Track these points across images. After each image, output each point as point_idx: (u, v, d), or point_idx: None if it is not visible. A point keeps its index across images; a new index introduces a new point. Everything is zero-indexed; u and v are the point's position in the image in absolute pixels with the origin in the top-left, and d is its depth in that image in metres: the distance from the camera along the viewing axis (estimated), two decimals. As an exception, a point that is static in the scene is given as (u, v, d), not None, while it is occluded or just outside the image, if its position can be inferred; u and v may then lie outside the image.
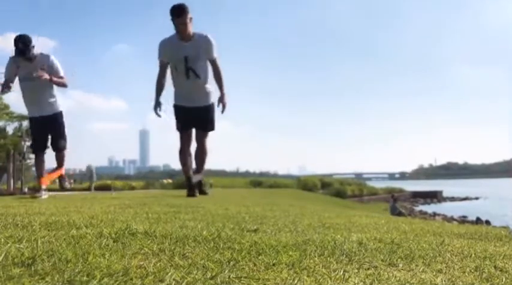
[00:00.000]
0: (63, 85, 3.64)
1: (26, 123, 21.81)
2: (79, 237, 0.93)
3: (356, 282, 0.65)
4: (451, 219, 13.56)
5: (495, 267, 0.81)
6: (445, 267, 0.79)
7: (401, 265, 0.79)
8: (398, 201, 15.92)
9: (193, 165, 3.63)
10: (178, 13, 3.25)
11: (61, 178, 3.93)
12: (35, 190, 3.68)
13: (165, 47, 3.40)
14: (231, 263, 0.73)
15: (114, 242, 0.89)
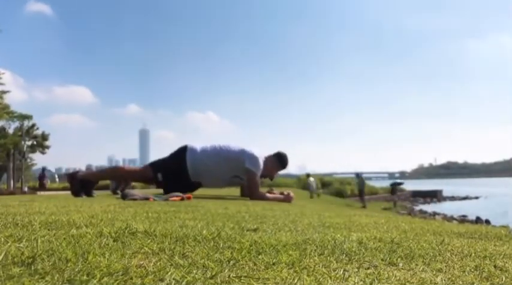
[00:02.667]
0: None
1: (26, 123, 21.83)
2: (79, 236, 0.93)
3: (356, 281, 0.65)
4: (451, 218, 13.55)
5: (495, 266, 0.81)
6: (445, 266, 0.79)
7: (401, 264, 0.79)
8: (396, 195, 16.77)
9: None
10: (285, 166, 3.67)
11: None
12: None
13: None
14: (231, 262, 0.73)
15: (114, 241, 0.89)
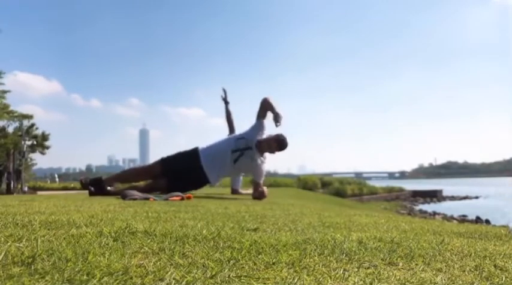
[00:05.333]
0: None
1: (26, 122, 21.84)
2: (79, 236, 0.93)
3: (356, 281, 0.65)
4: (450, 218, 13.54)
5: (495, 266, 0.81)
6: (445, 266, 0.79)
7: (401, 264, 0.79)
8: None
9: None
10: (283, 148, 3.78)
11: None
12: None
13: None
14: (231, 262, 0.73)
15: (114, 241, 0.89)
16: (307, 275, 0.67)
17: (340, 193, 17.85)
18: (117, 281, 0.58)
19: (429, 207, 19.28)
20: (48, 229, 1.05)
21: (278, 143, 3.72)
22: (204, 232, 1.04)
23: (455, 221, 10.13)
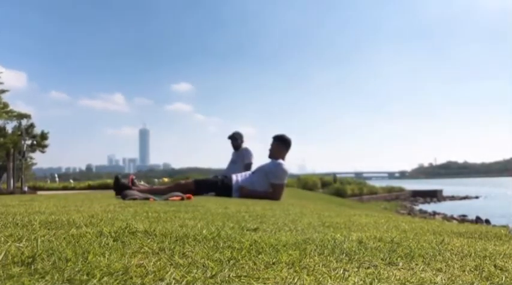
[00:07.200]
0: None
1: (25, 122, 21.84)
2: (79, 236, 0.93)
3: (356, 281, 0.65)
4: (450, 218, 13.54)
5: (495, 266, 0.81)
6: (445, 266, 0.79)
7: (401, 264, 0.79)
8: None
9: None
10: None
11: None
12: None
13: None
14: (231, 262, 0.73)
15: (114, 241, 0.89)
16: (307, 275, 0.67)
17: (340, 193, 17.84)
18: (117, 281, 0.58)
19: (429, 207, 19.27)
20: (48, 229, 1.05)
21: (286, 146, 4.27)
22: (204, 232, 1.04)
23: (455, 221, 10.12)
